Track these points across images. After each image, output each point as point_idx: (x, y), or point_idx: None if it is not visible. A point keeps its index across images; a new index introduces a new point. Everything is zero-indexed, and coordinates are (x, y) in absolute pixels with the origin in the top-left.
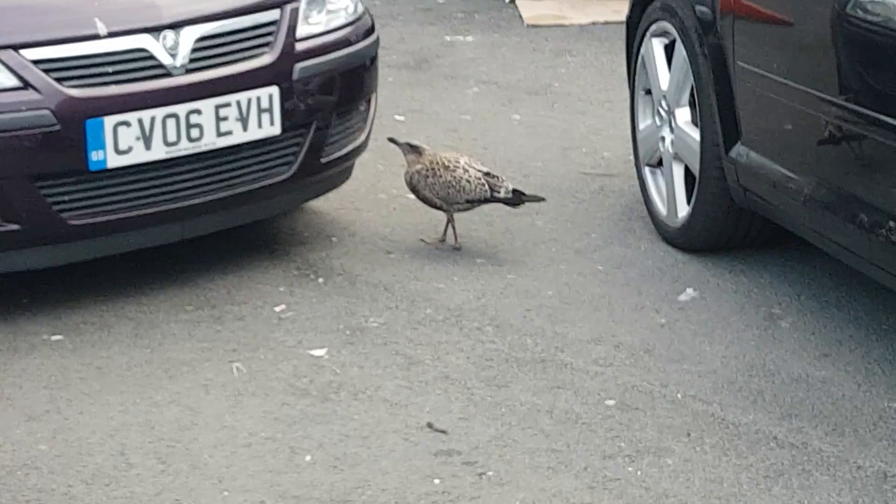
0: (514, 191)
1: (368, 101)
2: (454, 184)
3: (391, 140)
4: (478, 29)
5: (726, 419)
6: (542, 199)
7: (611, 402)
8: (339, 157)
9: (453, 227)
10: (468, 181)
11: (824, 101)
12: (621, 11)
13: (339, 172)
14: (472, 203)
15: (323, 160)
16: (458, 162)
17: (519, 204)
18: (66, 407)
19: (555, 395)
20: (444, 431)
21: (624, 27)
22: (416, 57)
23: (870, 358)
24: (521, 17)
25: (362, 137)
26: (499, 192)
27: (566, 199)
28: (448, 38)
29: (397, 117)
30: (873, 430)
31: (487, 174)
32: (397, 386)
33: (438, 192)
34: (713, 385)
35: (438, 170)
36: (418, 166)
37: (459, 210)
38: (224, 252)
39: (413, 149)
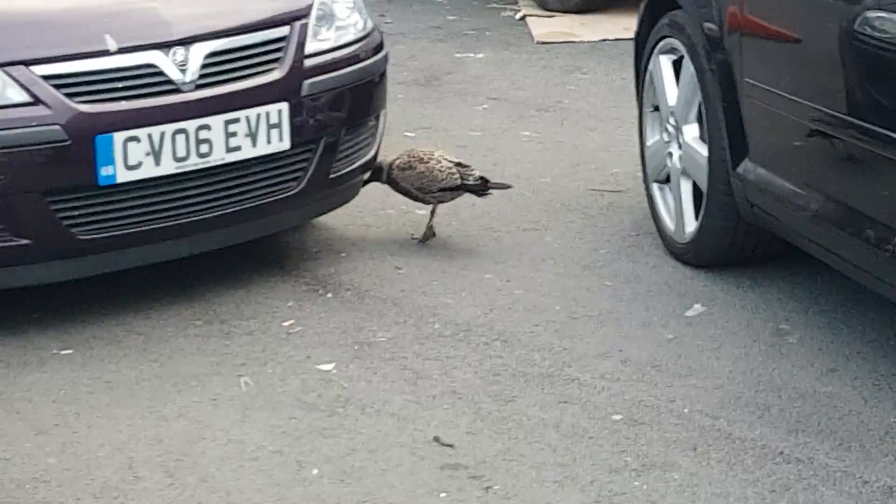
0: (481, 178)
1: (378, 117)
2: (427, 174)
3: (364, 183)
4: (488, 46)
5: (733, 434)
6: (509, 187)
7: (617, 417)
8: (348, 173)
9: (431, 216)
10: (440, 170)
11: (832, 118)
12: (631, 29)
13: (348, 188)
14: (445, 192)
15: (332, 176)
16: (433, 154)
17: (485, 190)
18: (74, 421)
19: (562, 409)
20: (450, 445)
21: (633, 43)
22: (426, 74)
23: (877, 373)
24: (531, 34)
25: (371, 153)
26: (468, 180)
27: (574, 215)
28: (458, 55)
29: (407, 134)
30: (880, 445)
31: (458, 164)
32: (405, 400)
33: (413, 182)
34: (720, 400)
35: (414, 162)
36: (398, 161)
37: (435, 200)
38: (233, 267)
39: (378, 170)
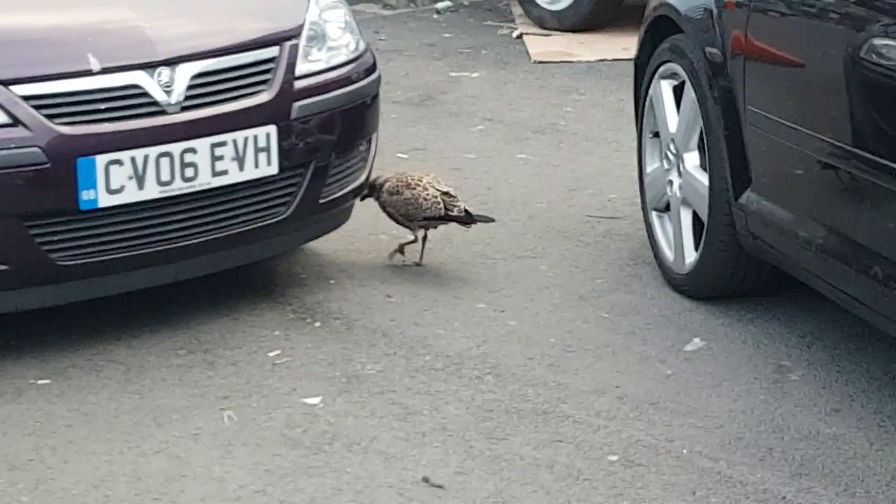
0: (466, 210)
1: (369, 141)
2: (412, 201)
3: (362, 198)
4: (484, 65)
5: (733, 477)
6: (492, 220)
7: (614, 458)
8: (338, 198)
9: (412, 244)
10: (425, 199)
11: (837, 149)
12: (630, 49)
13: (338, 213)
14: (430, 220)
15: (321, 201)
16: (421, 180)
17: (470, 223)
18: (50, 455)
19: (556, 449)
20: (440, 486)
21: (632, 65)
22: (420, 93)
23: (882, 414)
24: (527, 53)
25: (362, 177)
26: (452, 211)
27: (571, 243)
28: (453, 74)
29: (400, 155)
30: (886, 491)
31: (446, 194)
32: (393, 437)
33: (399, 208)
34: (720, 441)
35: (401, 188)
36: (388, 184)
37: (420, 227)
38: (218, 294)
39: (372, 187)
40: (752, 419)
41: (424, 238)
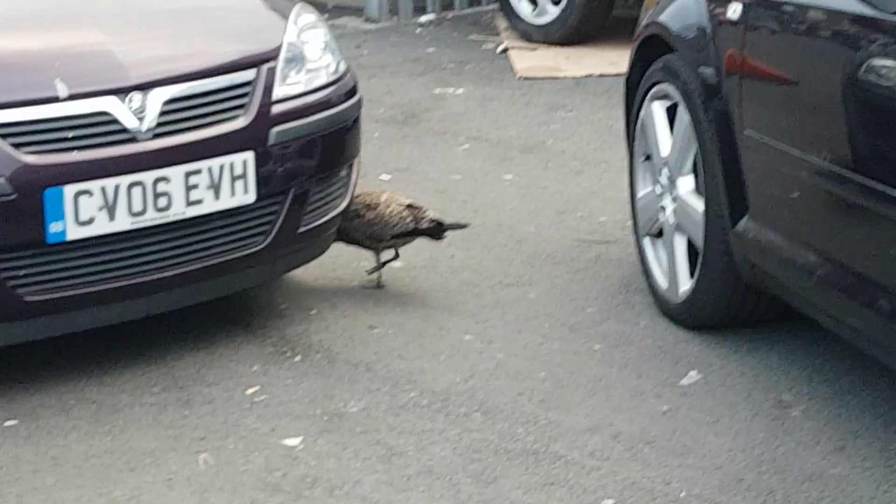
0: (434, 220)
1: (350, 166)
2: (378, 221)
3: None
4: (468, 81)
5: None
6: (466, 226)
7: (609, 502)
8: (318, 227)
9: (380, 264)
10: (391, 215)
11: (840, 175)
12: (618, 63)
13: (318, 242)
14: (398, 238)
15: (301, 229)
16: (380, 198)
17: (441, 234)
18: None
19: (548, 493)
20: None
21: (621, 80)
22: (403, 110)
23: (888, 452)
24: (513, 68)
25: (343, 205)
26: (421, 224)
27: (560, 269)
28: (437, 91)
29: (383, 177)
30: None
31: (410, 206)
32: (377, 481)
33: (364, 231)
34: (719, 482)
35: (362, 209)
36: (346, 212)
37: (388, 247)
38: (194, 328)
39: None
40: (753, 459)
41: (395, 257)
